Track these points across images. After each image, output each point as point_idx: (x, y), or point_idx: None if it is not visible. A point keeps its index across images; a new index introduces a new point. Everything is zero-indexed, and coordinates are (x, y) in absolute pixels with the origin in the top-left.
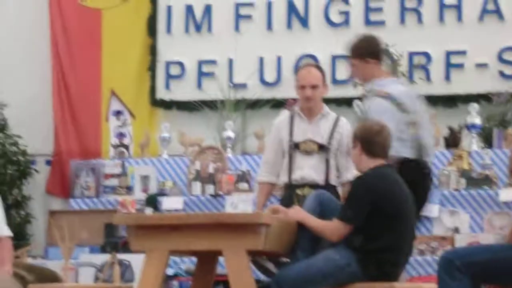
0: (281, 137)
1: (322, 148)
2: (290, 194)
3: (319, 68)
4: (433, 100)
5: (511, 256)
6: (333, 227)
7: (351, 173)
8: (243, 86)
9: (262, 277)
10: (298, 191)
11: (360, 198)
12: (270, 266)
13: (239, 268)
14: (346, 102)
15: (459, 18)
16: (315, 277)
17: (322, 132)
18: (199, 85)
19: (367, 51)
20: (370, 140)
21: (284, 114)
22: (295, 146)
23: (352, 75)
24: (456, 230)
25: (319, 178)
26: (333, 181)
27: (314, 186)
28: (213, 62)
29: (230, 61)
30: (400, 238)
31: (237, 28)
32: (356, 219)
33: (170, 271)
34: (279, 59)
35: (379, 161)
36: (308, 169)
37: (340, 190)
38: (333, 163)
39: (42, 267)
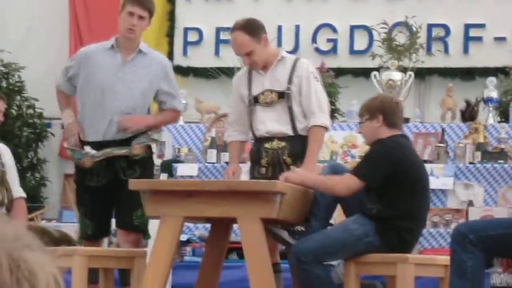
0: (241, 93)
1: (281, 95)
2: (259, 147)
3: (244, 27)
4: (451, 73)
5: None
6: (344, 181)
7: (317, 118)
8: None
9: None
10: (267, 145)
11: (378, 160)
12: (285, 235)
13: (253, 235)
14: (364, 73)
15: None
16: (333, 248)
17: (280, 79)
18: (217, 52)
19: None
20: (392, 112)
21: (242, 69)
22: (255, 100)
23: None
24: (470, 203)
25: (286, 128)
26: (301, 130)
27: (282, 138)
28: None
29: None
30: (418, 205)
31: None
32: (369, 178)
33: (183, 237)
34: (297, 28)
35: (396, 131)
36: (271, 122)
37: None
38: (298, 110)
39: (55, 229)
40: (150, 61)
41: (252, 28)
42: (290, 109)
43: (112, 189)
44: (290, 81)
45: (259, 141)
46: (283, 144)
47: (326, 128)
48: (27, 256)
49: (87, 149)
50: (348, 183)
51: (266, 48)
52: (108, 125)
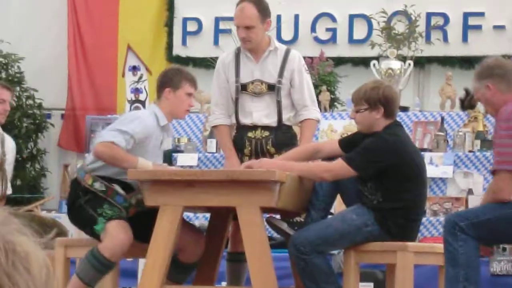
0: (227, 77)
1: (271, 88)
2: (242, 136)
3: (256, 3)
4: (450, 62)
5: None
6: (332, 168)
7: (310, 112)
8: None
9: (275, 234)
10: (250, 134)
11: (375, 155)
12: (284, 226)
13: (252, 224)
14: (363, 62)
15: None
16: (332, 238)
17: (271, 70)
18: (216, 42)
19: None
20: (394, 104)
21: (230, 50)
22: (243, 88)
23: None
24: (470, 191)
25: (271, 121)
26: (287, 121)
27: (265, 128)
28: (230, 19)
29: None
30: (416, 195)
31: None
32: (362, 170)
33: None
34: (296, 17)
35: (392, 120)
36: (258, 113)
37: (297, 129)
38: (287, 102)
39: (44, 216)
40: None
41: (262, 6)
42: (278, 103)
43: None
44: (281, 74)
45: (243, 129)
46: (266, 133)
47: (318, 121)
48: (20, 240)
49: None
50: (336, 171)
51: (265, 32)
52: None
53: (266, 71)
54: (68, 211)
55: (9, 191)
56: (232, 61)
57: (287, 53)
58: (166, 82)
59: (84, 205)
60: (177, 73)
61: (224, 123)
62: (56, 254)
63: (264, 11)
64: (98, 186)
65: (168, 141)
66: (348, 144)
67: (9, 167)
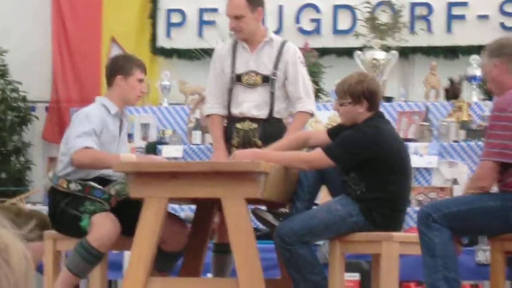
0: (223, 67)
1: (266, 80)
2: (230, 126)
3: None
4: (434, 52)
5: (485, 206)
6: (309, 159)
7: (304, 104)
8: None
9: (261, 225)
10: (238, 125)
11: (354, 147)
12: (269, 217)
13: (237, 216)
14: (347, 53)
15: None
16: (317, 229)
17: (266, 61)
18: (200, 33)
19: None
20: (377, 97)
21: (226, 43)
22: (237, 78)
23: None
24: (455, 181)
25: (261, 113)
26: (278, 114)
27: (254, 119)
28: (214, 10)
29: None
30: (400, 186)
31: None
32: (341, 161)
33: None
34: (280, 8)
35: (374, 112)
36: (248, 103)
37: (287, 122)
38: (280, 95)
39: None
40: None
41: None
42: (272, 95)
43: None
44: (276, 66)
45: (232, 120)
46: (254, 126)
47: (312, 115)
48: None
49: None
50: (314, 161)
51: (258, 21)
52: None
53: (261, 62)
54: (52, 221)
55: None
56: (229, 51)
57: (282, 45)
58: (117, 70)
59: (65, 208)
60: (127, 60)
61: (218, 112)
62: (45, 247)
63: (253, 0)
64: (74, 186)
65: (127, 126)
66: (336, 134)
67: None
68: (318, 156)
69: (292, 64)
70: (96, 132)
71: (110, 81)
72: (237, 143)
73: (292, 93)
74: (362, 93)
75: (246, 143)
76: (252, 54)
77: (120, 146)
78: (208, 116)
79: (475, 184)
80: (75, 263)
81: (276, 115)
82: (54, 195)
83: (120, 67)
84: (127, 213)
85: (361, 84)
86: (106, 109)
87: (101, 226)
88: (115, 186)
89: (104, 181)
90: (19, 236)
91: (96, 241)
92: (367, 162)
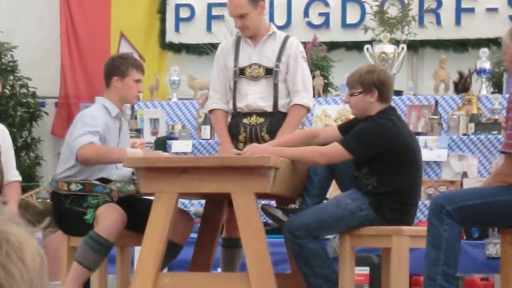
0: (226, 62)
1: (269, 72)
2: (237, 122)
3: None
4: (443, 45)
5: (500, 200)
6: (327, 152)
7: (301, 97)
8: None
9: (270, 220)
10: (245, 120)
11: (371, 139)
12: (279, 213)
13: (247, 210)
14: (356, 47)
15: None
16: (327, 222)
17: (269, 54)
18: (209, 28)
19: None
20: (388, 88)
21: (229, 39)
22: (241, 72)
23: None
24: (465, 174)
25: (266, 105)
26: (282, 107)
27: (261, 114)
28: (223, 5)
29: None
30: (411, 179)
31: None
32: (358, 155)
33: None
34: (289, 2)
35: (386, 104)
36: (253, 96)
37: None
38: (283, 87)
39: (39, 202)
40: None
41: None
42: (275, 86)
43: None
44: (279, 58)
45: (238, 115)
46: (261, 120)
47: (308, 109)
48: (13, 229)
49: None
50: (331, 155)
51: (261, 16)
52: None
53: (264, 55)
54: (58, 224)
55: (17, 177)
56: (232, 46)
57: (285, 39)
58: (113, 71)
59: (69, 207)
60: (123, 61)
61: (221, 107)
62: (60, 243)
63: None
64: (74, 187)
65: (126, 124)
66: (347, 129)
67: (8, 152)
68: (334, 149)
69: (294, 58)
70: (100, 134)
71: (107, 82)
72: (244, 138)
73: (291, 86)
74: (372, 82)
75: (253, 138)
76: (255, 48)
77: (121, 146)
78: (211, 111)
79: (504, 179)
80: (85, 255)
81: (281, 109)
82: (56, 198)
83: (116, 68)
84: (129, 210)
85: (371, 73)
86: (107, 111)
87: (107, 217)
88: (116, 183)
89: (104, 181)
90: (33, 233)
91: (104, 230)
92: (380, 155)
